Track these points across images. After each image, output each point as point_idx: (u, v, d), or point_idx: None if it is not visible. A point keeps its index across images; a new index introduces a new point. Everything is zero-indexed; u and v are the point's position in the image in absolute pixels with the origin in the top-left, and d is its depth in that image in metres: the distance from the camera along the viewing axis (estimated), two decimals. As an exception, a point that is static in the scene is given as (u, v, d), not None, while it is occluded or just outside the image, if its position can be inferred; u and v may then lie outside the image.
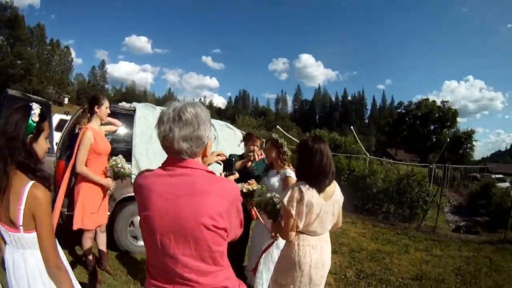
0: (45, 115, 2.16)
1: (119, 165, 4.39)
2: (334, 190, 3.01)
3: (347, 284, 5.37)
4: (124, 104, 6.28)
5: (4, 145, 1.89)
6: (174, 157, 1.71)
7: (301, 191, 2.79)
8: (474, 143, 59.93)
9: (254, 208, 3.63)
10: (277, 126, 25.91)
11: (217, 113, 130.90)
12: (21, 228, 1.87)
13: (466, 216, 13.71)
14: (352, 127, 23.30)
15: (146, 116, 5.78)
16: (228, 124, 7.43)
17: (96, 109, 4.38)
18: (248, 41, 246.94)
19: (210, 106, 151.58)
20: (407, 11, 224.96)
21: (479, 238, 9.67)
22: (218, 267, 1.73)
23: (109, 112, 4.57)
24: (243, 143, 5.43)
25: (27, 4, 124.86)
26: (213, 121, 6.71)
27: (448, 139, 35.63)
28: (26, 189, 1.86)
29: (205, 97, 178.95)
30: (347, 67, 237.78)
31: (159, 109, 6.09)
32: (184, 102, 1.77)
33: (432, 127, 70.57)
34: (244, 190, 3.67)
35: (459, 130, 65.30)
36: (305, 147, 2.99)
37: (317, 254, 2.96)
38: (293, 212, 2.78)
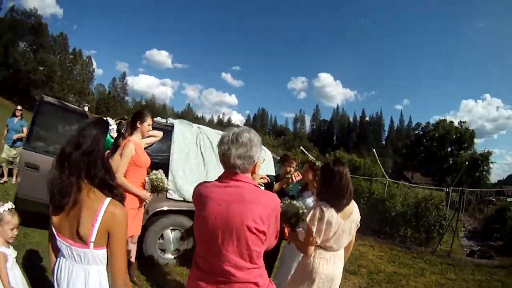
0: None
1: (159, 179, 4.51)
2: (353, 210, 3.30)
3: (366, 304, 5.69)
4: (159, 119, 6.34)
5: (79, 159, 1.86)
6: (229, 171, 2.17)
7: (322, 211, 3.09)
8: (490, 165, 58.86)
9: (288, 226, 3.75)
10: (301, 147, 26.12)
11: None
12: (92, 244, 1.83)
13: (481, 241, 13.78)
14: (374, 150, 23.47)
15: (184, 133, 5.91)
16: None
17: (138, 124, 4.49)
18: (267, 59, 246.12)
19: (229, 123, 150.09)
20: (423, 30, 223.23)
21: (492, 262, 9.89)
22: (253, 265, 2.13)
23: (151, 129, 4.70)
24: (276, 164, 5.82)
25: (50, 13, 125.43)
26: None
27: (466, 162, 35.29)
28: (103, 206, 1.85)
29: (223, 114, 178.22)
30: (366, 86, 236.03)
31: (195, 126, 6.36)
32: (241, 128, 2.22)
33: (449, 149, 69.72)
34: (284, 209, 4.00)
35: (476, 151, 64.34)
36: (326, 170, 3.32)
37: (330, 268, 3.27)
38: (314, 229, 3.08)
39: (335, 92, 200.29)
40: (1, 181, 9.28)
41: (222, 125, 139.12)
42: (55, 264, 2.03)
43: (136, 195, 4.41)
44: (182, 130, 5.92)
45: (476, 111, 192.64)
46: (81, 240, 1.84)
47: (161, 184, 4.55)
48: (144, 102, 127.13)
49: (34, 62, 63.42)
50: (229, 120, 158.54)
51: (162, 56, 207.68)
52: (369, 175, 20.92)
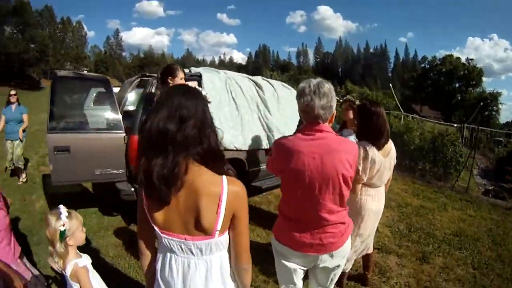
0: None
1: None
2: (391, 148, 3.52)
3: (401, 236, 5.93)
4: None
5: (188, 135, 1.52)
6: (313, 121, 2.24)
7: (366, 150, 3.28)
8: (500, 106, 58.94)
9: None
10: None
11: (238, 69, 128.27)
12: (217, 233, 1.59)
13: (493, 180, 14.16)
14: (390, 84, 23.47)
15: (213, 81, 5.60)
16: (284, 84, 7.48)
17: (169, 80, 4.13)
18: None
19: (231, 63, 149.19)
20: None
21: (506, 204, 10.02)
22: (341, 208, 2.34)
23: (184, 83, 4.12)
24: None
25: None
26: (271, 81, 6.84)
27: (481, 103, 35.15)
28: (224, 188, 1.56)
29: (224, 54, 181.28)
30: (367, 18, 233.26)
31: (222, 72, 6.03)
32: (319, 79, 2.27)
33: (457, 85, 69.40)
34: None
35: (485, 90, 64.34)
36: (363, 110, 3.50)
37: (375, 203, 3.56)
38: (360, 168, 3.25)
39: (335, 24, 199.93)
40: (20, 181, 8.01)
41: (224, 65, 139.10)
42: (157, 262, 1.78)
43: None
44: (210, 77, 5.62)
45: (483, 50, 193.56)
46: (203, 232, 1.58)
47: None
48: (142, 54, 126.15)
49: (24, 42, 60.40)
50: (230, 59, 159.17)
51: (153, 6, 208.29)
52: (383, 108, 20.93)
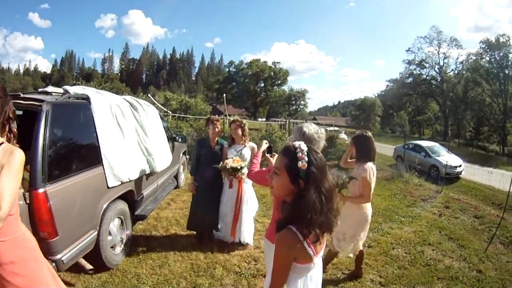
0: None
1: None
2: None
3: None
4: (53, 88, 4.65)
5: None
6: None
7: (372, 168, 4.14)
8: (307, 100, 71.85)
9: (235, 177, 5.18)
10: (149, 95, 25.34)
11: (43, 79, 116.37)
12: None
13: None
14: (224, 94, 24.86)
15: (100, 104, 4.61)
16: (147, 102, 6.83)
17: None
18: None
19: (35, 71, 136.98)
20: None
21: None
22: None
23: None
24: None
25: None
26: (138, 100, 6.35)
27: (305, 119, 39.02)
28: None
29: (30, 61, 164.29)
30: (177, 24, 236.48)
31: (105, 93, 5.18)
32: (316, 125, 2.95)
33: (262, 84, 75.59)
34: (234, 166, 4.98)
35: (292, 88, 75.23)
36: (364, 138, 4.36)
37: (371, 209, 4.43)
38: (373, 183, 4.16)
39: (144, 30, 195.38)
40: None
41: (29, 75, 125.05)
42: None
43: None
44: (97, 100, 4.59)
45: (287, 53, 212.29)
46: None
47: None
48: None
49: None
50: (35, 68, 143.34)
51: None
52: (200, 114, 22.00)
